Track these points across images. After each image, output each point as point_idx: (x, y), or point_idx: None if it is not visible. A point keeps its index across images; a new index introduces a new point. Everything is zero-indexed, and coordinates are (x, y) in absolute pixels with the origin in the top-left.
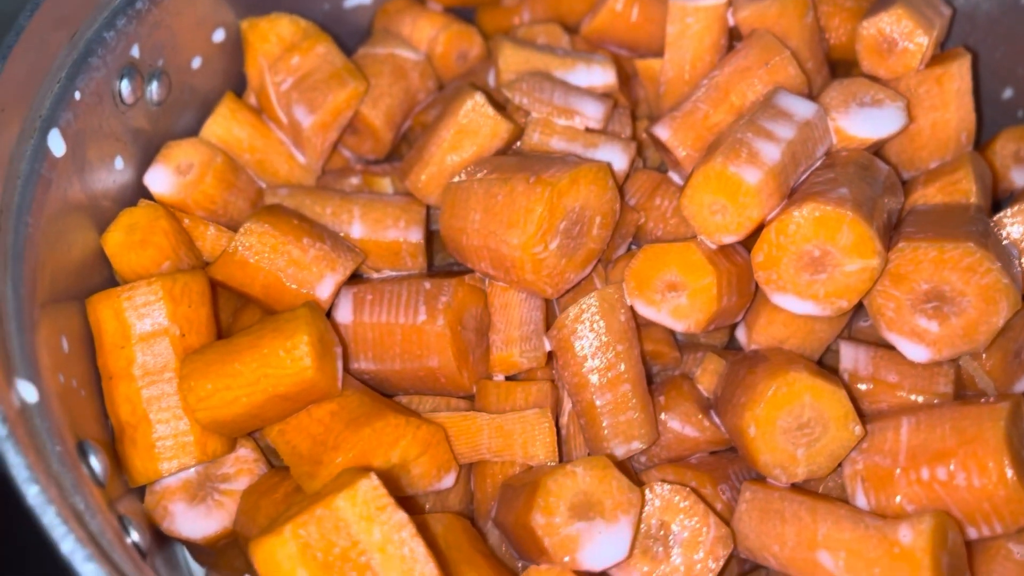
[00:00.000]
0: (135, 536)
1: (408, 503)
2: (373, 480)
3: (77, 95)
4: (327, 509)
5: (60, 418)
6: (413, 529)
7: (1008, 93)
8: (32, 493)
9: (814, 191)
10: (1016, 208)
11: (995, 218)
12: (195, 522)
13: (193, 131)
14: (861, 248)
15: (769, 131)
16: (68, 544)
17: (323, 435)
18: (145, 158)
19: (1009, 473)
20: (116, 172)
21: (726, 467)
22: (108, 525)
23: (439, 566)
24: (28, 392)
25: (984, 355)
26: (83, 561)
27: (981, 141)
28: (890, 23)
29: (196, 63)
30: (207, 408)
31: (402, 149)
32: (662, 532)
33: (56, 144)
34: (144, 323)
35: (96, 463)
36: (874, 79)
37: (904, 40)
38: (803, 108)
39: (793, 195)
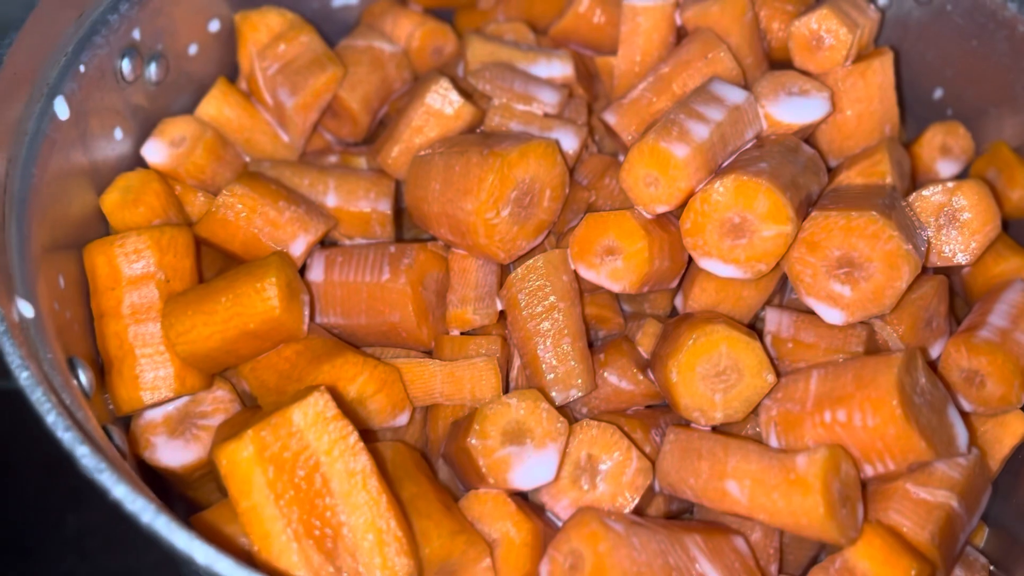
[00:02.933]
0: (118, 441)
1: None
2: (324, 394)
3: (82, 68)
4: (282, 418)
5: (53, 335)
6: (356, 436)
7: (938, 93)
8: (23, 376)
9: (737, 165)
10: (927, 190)
11: (908, 198)
12: (174, 452)
13: (188, 111)
14: (776, 215)
15: (700, 113)
16: (51, 417)
17: (289, 370)
18: (143, 132)
19: (898, 412)
20: (115, 142)
21: (658, 417)
22: (92, 423)
23: (376, 467)
24: (26, 308)
25: (896, 322)
26: (63, 430)
27: (913, 137)
28: (817, 21)
29: (193, 49)
30: (186, 342)
31: (379, 133)
32: (590, 464)
33: (61, 109)
34: (133, 268)
35: (83, 377)
36: (805, 73)
37: (830, 37)
38: (734, 94)
39: (720, 170)
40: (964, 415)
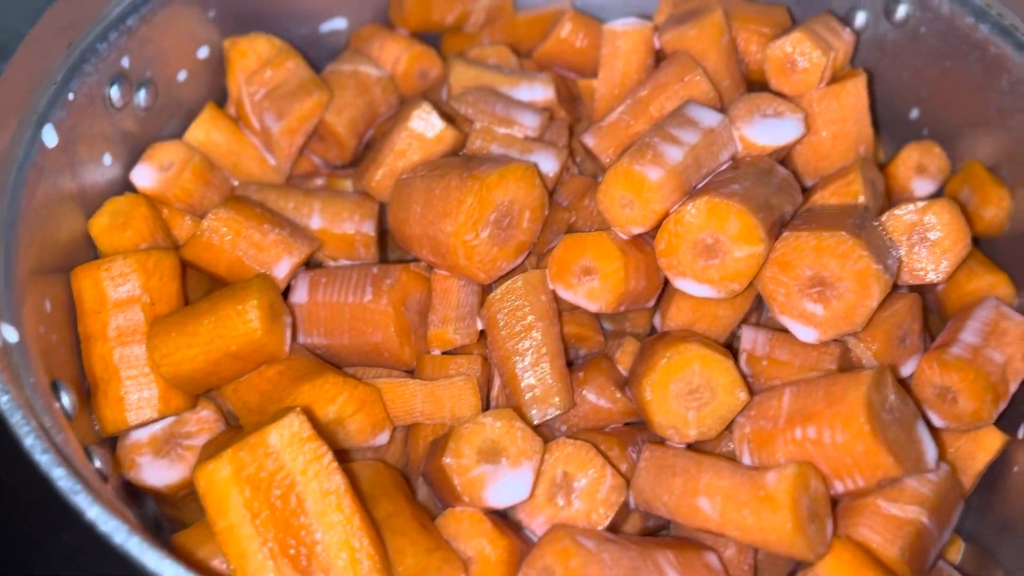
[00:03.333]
0: (98, 464)
1: (345, 454)
2: (299, 415)
3: (71, 96)
4: (259, 438)
5: (37, 358)
6: (331, 457)
7: (914, 113)
8: (3, 400)
9: (710, 187)
10: (899, 209)
11: (881, 218)
12: (159, 472)
13: (178, 136)
14: (747, 236)
15: (675, 136)
16: (29, 440)
17: (270, 391)
18: (132, 157)
19: (866, 428)
20: (105, 167)
21: (635, 435)
22: (72, 445)
23: (352, 488)
24: (9, 333)
25: (870, 339)
26: (40, 453)
27: (891, 157)
28: (791, 45)
29: (182, 76)
30: (170, 364)
31: (366, 156)
32: (566, 481)
33: (49, 136)
34: (119, 291)
35: (66, 399)
36: (780, 95)
37: (804, 60)
38: (709, 117)
39: (694, 192)
40: (937, 431)
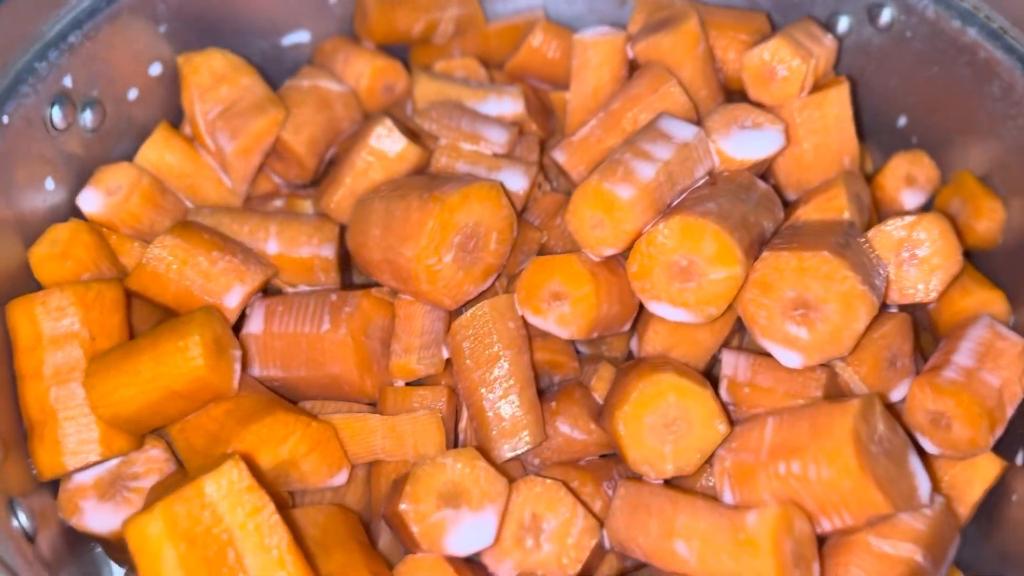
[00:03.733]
0: (22, 519)
1: (300, 495)
2: (238, 463)
3: (5, 119)
4: (195, 490)
5: None
6: (272, 508)
7: (902, 121)
8: None
9: (684, 206)
10: (887, 225)
11: (868, 234)
12: (103, 517)
13: (130, 158)
14: (724, 257)
15: (647, 152)
16: None
17: (217, 431)
18: (79, 181)
19: (853, 463)
20: (47, 193)
21: (611, 468)
22: None
23: (296, 543)
24: None
25: (858, 363)
26: None
27: (879, 166)
28: (770, 53)
29: (133, 94)
30: (108, 404)
31: (328, 175)
32: (534, 523)
33: None
34: (56, 326)
35: None
36: (759, 105)
37: (783, 68)
38: (683, 131)
39: (668, 210)
40: (931, 459)
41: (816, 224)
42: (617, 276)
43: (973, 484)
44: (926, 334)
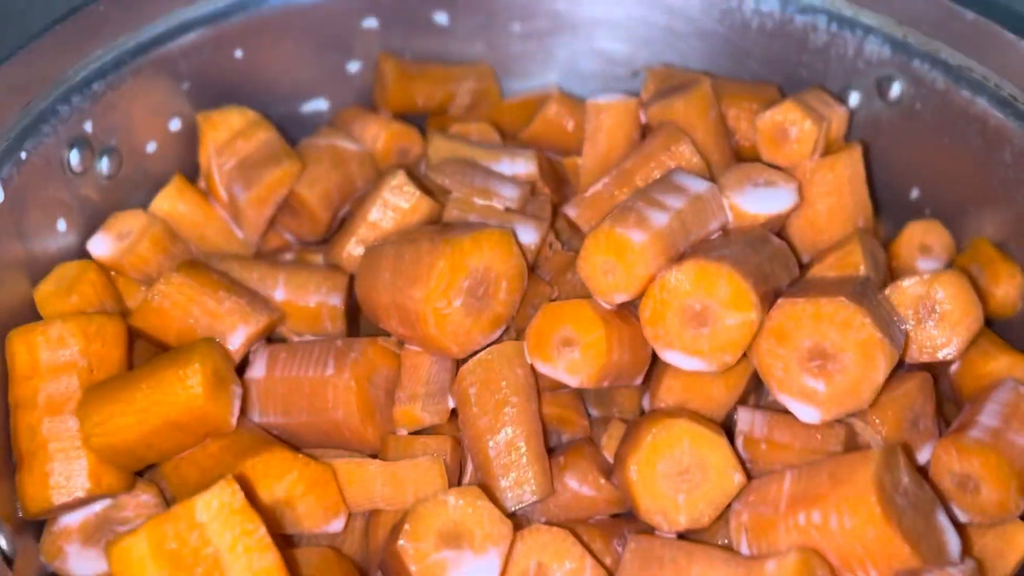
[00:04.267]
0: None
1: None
2: (231, 484)
3: (24, 155)
4: (184, 509)
5: None
6: (264, 532)
7: (915, 193)
8: None
9: (698, 251)
10: (905, 281)
11: (886, 291)
12: (87, 562)
13: (143, 208)
14: (739, 301)
15: (660, 201)
16: None
17: (211, 467)
18: (90, 226)
19: (877, 511)
20: (58, 234)
21: (621, 527)
22: None
23: (285, 568)
24: None
25: (879, 421)
26: None
27: (892, 237)
28: (781, 114)
29: (151, 147)
30: (101, 434)
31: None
32: (540, 573)
33: None
34: (54, 356)
35: None
36: (772, 166)
37: (795, 129)
38: (696, 184)
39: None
40: (961, 528)
41: (832, 278)
42: (629, 325)
43: (1006, 555)
44: (949, 404)
